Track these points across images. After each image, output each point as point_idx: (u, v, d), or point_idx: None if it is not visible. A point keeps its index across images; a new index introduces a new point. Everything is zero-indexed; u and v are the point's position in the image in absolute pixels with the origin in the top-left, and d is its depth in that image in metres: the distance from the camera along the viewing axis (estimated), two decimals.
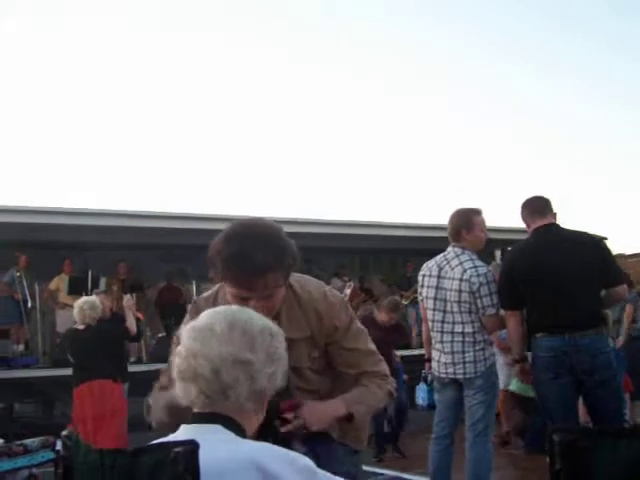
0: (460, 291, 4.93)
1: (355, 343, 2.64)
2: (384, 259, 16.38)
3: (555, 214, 4.98)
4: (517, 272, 4.85)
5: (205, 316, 1.78)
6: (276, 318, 2.46)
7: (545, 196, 5.01)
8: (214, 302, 2.54)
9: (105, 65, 32.08)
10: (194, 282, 13.35)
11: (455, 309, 4.96)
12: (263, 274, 2.30)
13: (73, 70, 31.76)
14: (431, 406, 5.56)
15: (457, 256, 5.03)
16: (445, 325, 5.01)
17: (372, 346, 2.70)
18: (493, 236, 15.56)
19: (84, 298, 7.61)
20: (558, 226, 4.94)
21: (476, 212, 5.17)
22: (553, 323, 4.65)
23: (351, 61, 37.97)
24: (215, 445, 1.59)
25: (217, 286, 2.65)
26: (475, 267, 4.95)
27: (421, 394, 6.85)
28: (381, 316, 7.72)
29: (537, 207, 4.95)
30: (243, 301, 2.30)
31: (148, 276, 13.84)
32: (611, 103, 44.92)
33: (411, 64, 38.44)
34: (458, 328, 4.95)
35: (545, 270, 4.71)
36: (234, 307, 1.85)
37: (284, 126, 36.83)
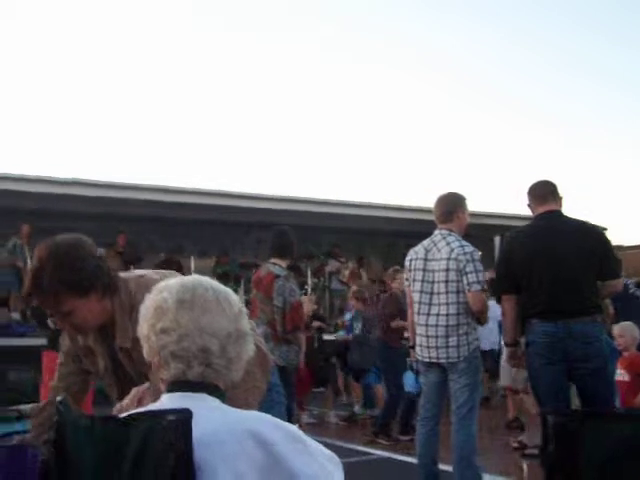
0: (448, 270, 4.98)
1: None
2: (381, 240, 16.40)
3: (561, 199, 5.00)
4: (515, 256, 4.89)
5: (190, 290, 1.73)
6: (106, 328, 2.59)
7: (551, 181, 5.03)
8: None
9: (103, 48, 31.96)
10: (192, 258, 13.38)
11: (442, 289, 5.00)
12: (48, 294, 2.45)
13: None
14: (420, 393, 5.62)
15: (444, 238, 5.09)
16: (432, 307, 5.05)
17: None
18: (492, 222, 15.63)
19: None
20: (560, 213, 4.96)
21: (465, 197, 5.30)
22: (548, 309, 4.69)
23: (350, 45, 37.77)
24: (207, 413, 1.60)
25: None
26: (462, 246, 5.01)
27: (409, 381, 6.92)
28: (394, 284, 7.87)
29: (541, 193, 4.98)
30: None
31: (145, 249, 13.87)
32: (612, 91, 44.70)
33: (407, 48, 38.29)
34: (443, 310, 4.99)
35: (543, 256, 4.75)
36: (211, 280, 1.81)
37: (282, 106, 36.71)
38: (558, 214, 4.95)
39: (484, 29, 39.28)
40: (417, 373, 5.80)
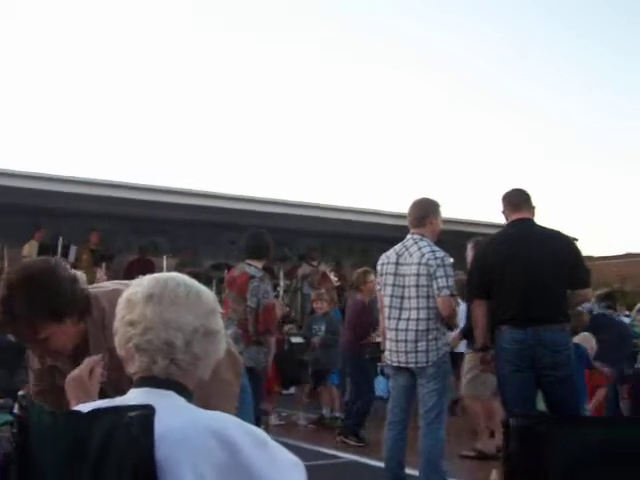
0: (418, 275, 5.00)
1: None
2: (357, 245, 16.42)
3: (534, 209, 5.06)
4: (487, 263, 4.94)
5: (160, 285, 1.75)
6: (78, 348, 2.50)
7: (525, 190, 5.09)
8: None
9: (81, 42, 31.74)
10: (165, 257, 13.30)
11: (413, 294, 5.02)
12: (22, 322, 2.36)
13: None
14: (388, 397, 5.64)
15: (416, 242, 5.12)
16: (402, 312, 5.07)
17: None
18: (466, 229, 15.71)
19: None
20: (533, 222, 5.01)
21: (438, 203, 5.34)
22: (517, 316, 4.73)
23: (348, 46, 37.92)
24: (171, 411, 1.59)
25: None
26: (433, 251, 5.04)
27: (380, 385, 6.95)
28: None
29: (515, 201, 5.04)
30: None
31: (119, 247, 13.79)
32: (587, 93, 45.17)
33: (392, 48, 38.45)
34: (414, 314, 5.01)
35: (515, 262, 4.79)
36: (184, 277, 1.83)
37: (266, 108, 36.78)
38: (531, 222, 5.00)
39: (483, 29, 39.58)
40: (388, 377, 5.82)
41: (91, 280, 8.36)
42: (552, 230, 5.02)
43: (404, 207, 5.51)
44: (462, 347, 7.41)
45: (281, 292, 13.36)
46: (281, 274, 13.90)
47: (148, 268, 13.16)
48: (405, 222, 5.36)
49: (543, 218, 5.19)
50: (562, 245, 4.92)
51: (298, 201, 14.44)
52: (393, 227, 12.17)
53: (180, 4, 33.46)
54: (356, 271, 8.83)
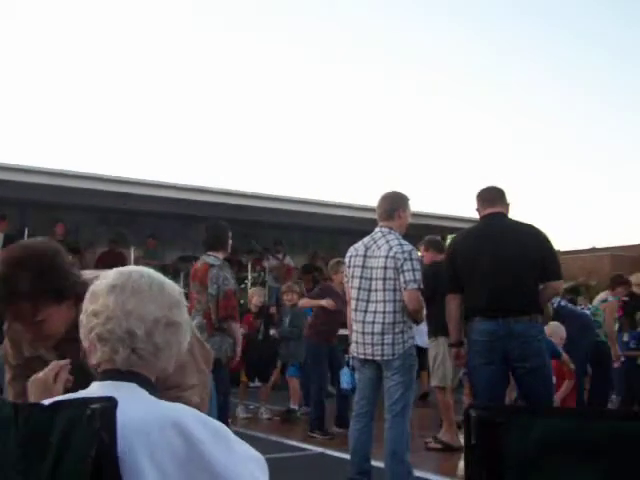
0: (386, 268, 5.03)
1: None
2: (326, 238, 16.42)
3: (508, 205, 5.11)
4: (459, 256, 5.00)
5: (124, 277, 1.76)
6: (68, 337, 2.40)
7: (499, 187, 5.15)
8: None
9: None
10: (132, 248, 13.22)
11: (380, 287, 5.05)
12: (26, 302, 2.28)
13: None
14: (355, 389, 5.66)
15: (384, 236, 5.14)
16: (370, 304, 5.09)
17: None
18: (435, 223, 15.76)
19: None
20: (505, 216, 5.06)
21: (407, 197, 5.37)
22: (488, 307, 4.78)
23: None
24: (132, 403, 1.59)
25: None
26: (401, 245, 5.07)
27: (345, 378, 6.96)
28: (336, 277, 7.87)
29: (488, 196, 5.10)
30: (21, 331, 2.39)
31: (87, 239, 13.67)
32: (554, 87, 45.56)
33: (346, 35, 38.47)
34: (380, 307, 5.04)
35: (485, 255, 4.85)
36: (149, 269, 1.85)
37: (232, 103, 36.69)
38: (502, 216, 5.05)
39: (456, 26, 39.65)
40: (354, 369, 5.83)
41: None
42: (524, 223, 5.07)
43: (373, 200, 5.53)
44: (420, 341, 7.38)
45: (249, 284, 13.34)
46: (249, 266, 13.88)
47: (119, 260, 13.09)
48: (374, 215, 5.38)
49: (513, 212, 5.25)
50: (534, 238, 4.98)
51: (267, 194, 14.41)
52: (362, 220, 12.21)
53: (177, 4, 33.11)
54: (330, 261, 8.84)
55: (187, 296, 7.18)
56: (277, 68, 38.75)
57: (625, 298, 11.20)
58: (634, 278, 11.50)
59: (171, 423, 1.56)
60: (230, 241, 6.52)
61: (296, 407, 9.28)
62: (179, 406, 1.67)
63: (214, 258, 6.29)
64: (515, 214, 5.21)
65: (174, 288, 1.80)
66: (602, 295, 10.70)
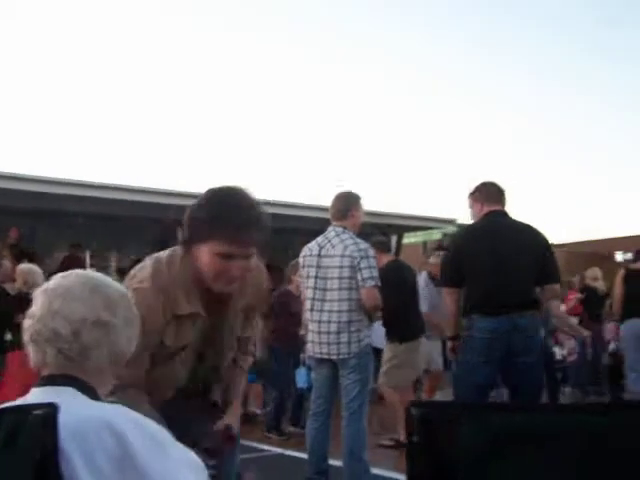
0: (341, 267, 5.05)
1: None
2: (277, 239, 16.37)
3: (506, 203, 5.13)
4: (464, 252, 4.97)
5: (61, 279, 1.78)
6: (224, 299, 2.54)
7: (499, 184, 5.14)
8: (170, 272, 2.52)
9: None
10: (87, 252, 13.09)
11: (335, 286, 5.07)
12: (252, 228, 2.39)
13: None
14: (311, 389, 5.67)
15: (338, 235, 5.16)
16: (325, 304, 5.11)
17: None
18: (390, 221, 15.81)
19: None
20: (507, 214, 5.07)
21: (359, 196, 5.40)
22: (491, 303, 4.76)
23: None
24: (69, 407, 1.59)
25: (151, 261, 2.59)
26: (356, 243, 5.10)
27: (301, 377, 6.96)
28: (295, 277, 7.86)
29: (491, 193, 5.08)
30: (226, 260, 2.37)
31: (42, 243, 13.49)
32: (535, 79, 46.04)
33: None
34: (336, 306, 5.06)
35: (487, 252, 4.84)
36: (91, 272, 1.87)
37: (180, 104, 36.53)
38: (504, 214, 5.07)
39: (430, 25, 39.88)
40: (310, 369, 5.85)
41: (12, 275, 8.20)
42: (524, 223, 5.09)
43: (326, 200, 5.54)
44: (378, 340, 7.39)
45: None
46: None
47: (80, 264, 12.94)
48: (327, 215, 5.39)
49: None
50: (536, 238, 5.00)
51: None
52: (314, 220, 12.21)
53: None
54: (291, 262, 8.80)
55: None
56: (221, 65, 38.62)
57: (580, 295, 11.39)
58: (589, 272, 11.71)
59: (106, 425, 1.57)
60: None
61: (258, 411, 9.23)
62: (117, 409, 1.67)
63: None
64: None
65: (114, 289, 1.81)
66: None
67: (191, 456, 1.70)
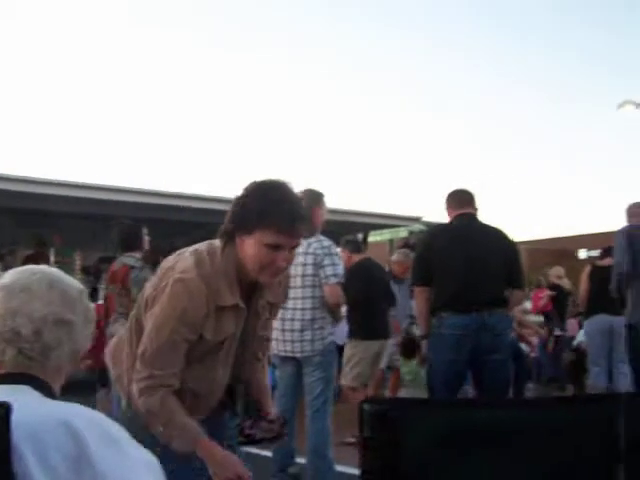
0: (305, 264, 5.06)
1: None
2: None
3: (477, 209, 5.21)
4: (434, 250, 5.03)
5: (18, 275, 1.73)
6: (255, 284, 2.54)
7: (469, 190, 5.24)
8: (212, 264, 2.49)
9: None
10: (52, 250, 12.98)
11: (298, 283, 5.07)
12: (300, 219, 2.42)
13: None
14: (275, 387, 5.68)
15: None
16: (289, 302, 5.10)
17: None
18: (356, 219, 15.84)
19: None
20: (475, 216, 5.17)
21: (322, 194, 5.39)
22: (461, 301, 4.82)
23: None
24: (24, 406, 1.56)
25: (189, 252, 2.56)
26: (319, 240, 5.12)
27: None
28: None
29: (463, 198, 5.19)
30: (273, 251, 2.38)
31: (5, 241, 13.35)
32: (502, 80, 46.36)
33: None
34: (299, 304, 5.07)
35: (457, 252, 4.91)
36: (47, 268, 1.81)
37: (141, 102, 36.31)
38: (474, 216, 5.16)
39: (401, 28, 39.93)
40: (274, 367, 5.85)
41: None
42: (493, 226, 5.19)
43: None
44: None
45: None
46: None
47: (44, 262, 12.78)
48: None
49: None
50: (505, 242, 5.11)
51: (191, 193, 14.29)
52: None
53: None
54: None
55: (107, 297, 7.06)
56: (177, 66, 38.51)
57: (550, 292, 11.51)
58: (553, 271, 11.86)
59: (62, 423, 1.54)
60: (141, 240, 6.43)
61: None
62: (74, 407, 1.64)
63: (133, 259, 6.20)
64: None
65: (71, 286, 1.77)
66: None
67: (150, 457, 1.67)
